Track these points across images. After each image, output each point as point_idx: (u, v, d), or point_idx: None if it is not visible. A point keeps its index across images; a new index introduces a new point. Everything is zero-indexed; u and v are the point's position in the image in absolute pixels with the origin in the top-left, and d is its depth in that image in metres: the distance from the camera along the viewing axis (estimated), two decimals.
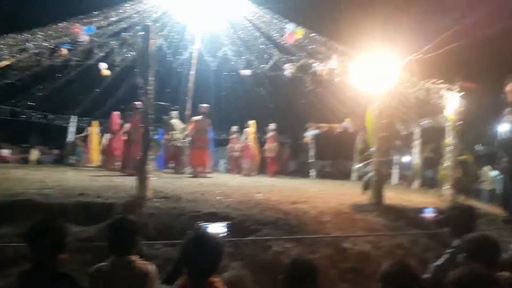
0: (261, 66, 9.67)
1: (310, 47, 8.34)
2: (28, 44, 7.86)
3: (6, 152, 16.22)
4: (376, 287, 2.06)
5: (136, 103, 8.58)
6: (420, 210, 3.19)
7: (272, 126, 12.96)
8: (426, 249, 4.26)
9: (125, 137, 9.54)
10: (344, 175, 14.74)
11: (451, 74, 9.03)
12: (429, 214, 3.20)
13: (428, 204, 5.43)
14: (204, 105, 9.85)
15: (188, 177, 9.07)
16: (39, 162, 15.80)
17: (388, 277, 2.03)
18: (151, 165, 5.58)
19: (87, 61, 9.77)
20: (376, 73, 6.21)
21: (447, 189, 8.11)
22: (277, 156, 12.96)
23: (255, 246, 3.81)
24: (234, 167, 13.27)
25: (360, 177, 9.27)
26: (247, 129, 12.60)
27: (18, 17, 15.96)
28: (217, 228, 2.73)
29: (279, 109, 14.49)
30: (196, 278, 1.99)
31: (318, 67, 8.63)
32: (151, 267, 2.42)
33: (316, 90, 11.31)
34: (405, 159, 13.71)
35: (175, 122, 10.84)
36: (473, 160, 11.24)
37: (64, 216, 3.97)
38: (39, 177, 6.87)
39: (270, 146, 12.75)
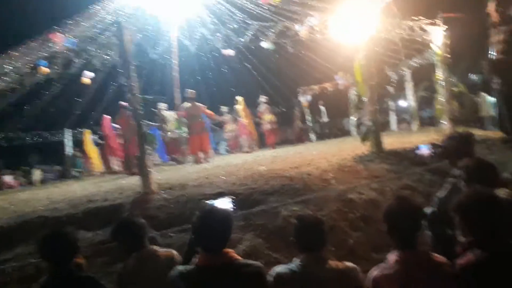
0: (240, 39, 9.54)
1: (286, 7, 8.18)
2: (6, 67, 7.76)
3: (9, 178, 16.26)
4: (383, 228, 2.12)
5: (122, 102, 8.54)
6: (419, 149, 3.20)
7: (263, 98, 12.89)
8: (431, 184, 4.32)
9: (120, 138, 9.55)
10: (344, 132, 14.80)
11: (433, 8, 8.88)
12: (425, 150, 3.21)
13: (428, 142, 5.47)
14: (190, 90, 9.78)
15: (191, 165, 9.12)
16: (43, 181, 15.86)
17: (390, 215, 2.08)
18: (151, 160, 5.62)
19: (67, 71, 9.66)
20: (357, 22, 6.10)
21: (445, 124, 8.14)
22: (274, 127, 12.95)
23: (265, 215, 3.87)
24: (234, 146, 13.32)
25: (359, 130, 9.29)
26: (236, 107, 12.55)
27: None
28: (223, 203, 2.77)
29: (268, 80, 14.37)
30: (210, 252, 2.06)
31: (298, 28, 8.51)
32: (173, 252, 2.58)
33: (300, 53, 11.22)
34: (402, 103, 13.71)
35: (167, 114, 10.80)
36: (467, 90, 11.20)
37: (75, 224, 4.04)
38: (45, 195, 6.94)
39: (266, 118, 12.74)
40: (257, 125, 13.04)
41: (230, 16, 9.15)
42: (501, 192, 2.43)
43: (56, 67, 8.68)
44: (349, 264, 2.19)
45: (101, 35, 8.67)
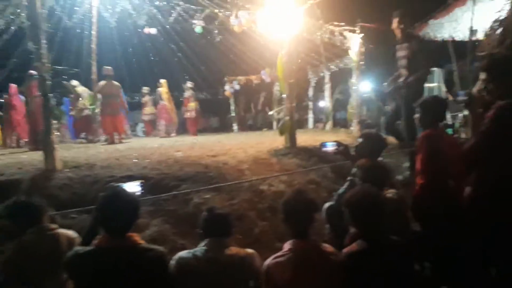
0: (166, 19, 9.24)
1: None
2: None
3: None
4: (281, 218, 2.28)
5: (31, 71, 7.76)
6: (325, 146, 3.45)
7: (188, 84, 12.66)
8: (334, 181, 4.69)
9: (25, 110, 8.69)
10: (267, 125, 15.21)
11: (353, 15, 9.47)
12: (329, 147, 3.47)
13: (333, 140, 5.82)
14: (108, 67, 9.21)
15: (103, 144, 8.66)
16: None
17: (286, 206, 2.25)
18: (58, 136, 5.22)
19: None
20: (282, 20, 6.26)
21: (354, 127, 8.87)
22: (197, 115, 12.81)
23: (175, 201, 3.86)
24: (151, 129, 12.94)
25: (278, 124, 9.63)
26: (159, 89, 12.18)
27: None
28: (131, 187, 2.72)
29: (194, 65, 14.13)
30: (113, 234, 2.03)
31: (233, 22, 8.48)
32: (73, 233, 2.55)
33: (229, 42, 11.22)
34: (321, 104, 14.49)
35: (80, 89, 10.10)
36: (375, 97, 12.26)
37: None
38: None
39: (189, 105, 12.54)
40: (180, 110, 12.81)
41: None
42: (390, 192, 2.76)
43: None
44: (250, 251, 2.31)
45: None
